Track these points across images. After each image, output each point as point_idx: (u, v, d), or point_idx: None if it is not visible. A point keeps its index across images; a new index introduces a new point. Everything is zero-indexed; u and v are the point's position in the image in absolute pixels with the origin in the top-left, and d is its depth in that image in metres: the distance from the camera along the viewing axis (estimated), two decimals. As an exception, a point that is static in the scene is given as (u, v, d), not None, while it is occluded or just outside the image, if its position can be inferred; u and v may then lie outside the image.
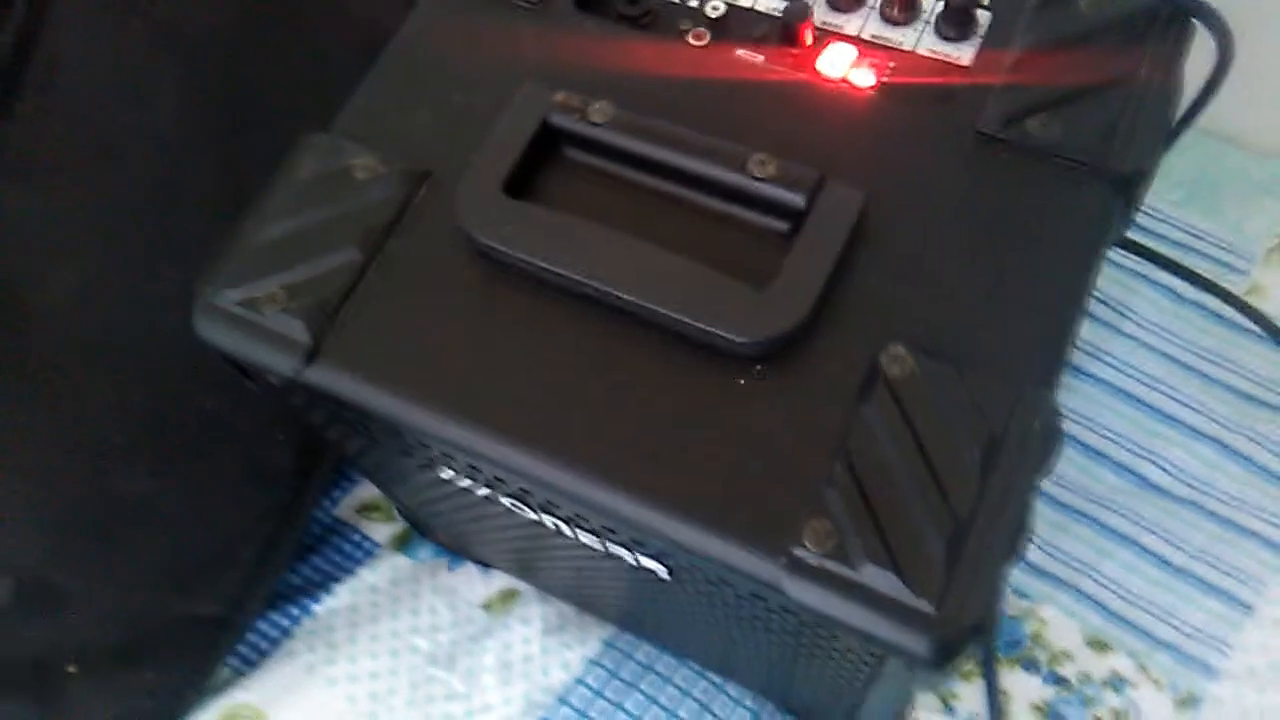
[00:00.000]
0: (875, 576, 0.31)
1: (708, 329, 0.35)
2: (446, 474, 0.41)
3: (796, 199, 0.36)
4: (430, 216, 0.39)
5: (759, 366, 0.35)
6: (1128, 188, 0.37)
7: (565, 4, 0.43)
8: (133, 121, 0.57)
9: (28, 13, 0.51)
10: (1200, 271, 0.67)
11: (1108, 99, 0.37)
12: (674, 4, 0.44)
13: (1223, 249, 0.69)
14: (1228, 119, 0.71)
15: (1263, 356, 0.64)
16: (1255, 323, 0.60)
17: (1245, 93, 0.68)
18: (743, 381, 0.35)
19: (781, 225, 0.37)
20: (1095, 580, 0.58)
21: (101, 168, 0.56)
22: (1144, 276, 0.68)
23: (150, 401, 0.56)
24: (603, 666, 0.58)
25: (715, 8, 0.43)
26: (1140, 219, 0.71)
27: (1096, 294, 0.68)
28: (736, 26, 0.43)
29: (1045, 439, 0.33)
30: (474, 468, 0.39)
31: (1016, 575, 0.59)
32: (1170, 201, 0.71)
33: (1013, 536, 0.32)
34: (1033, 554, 0.60)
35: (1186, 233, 0.70)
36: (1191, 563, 0.59)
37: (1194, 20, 0.39)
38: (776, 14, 0.43)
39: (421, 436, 0.38)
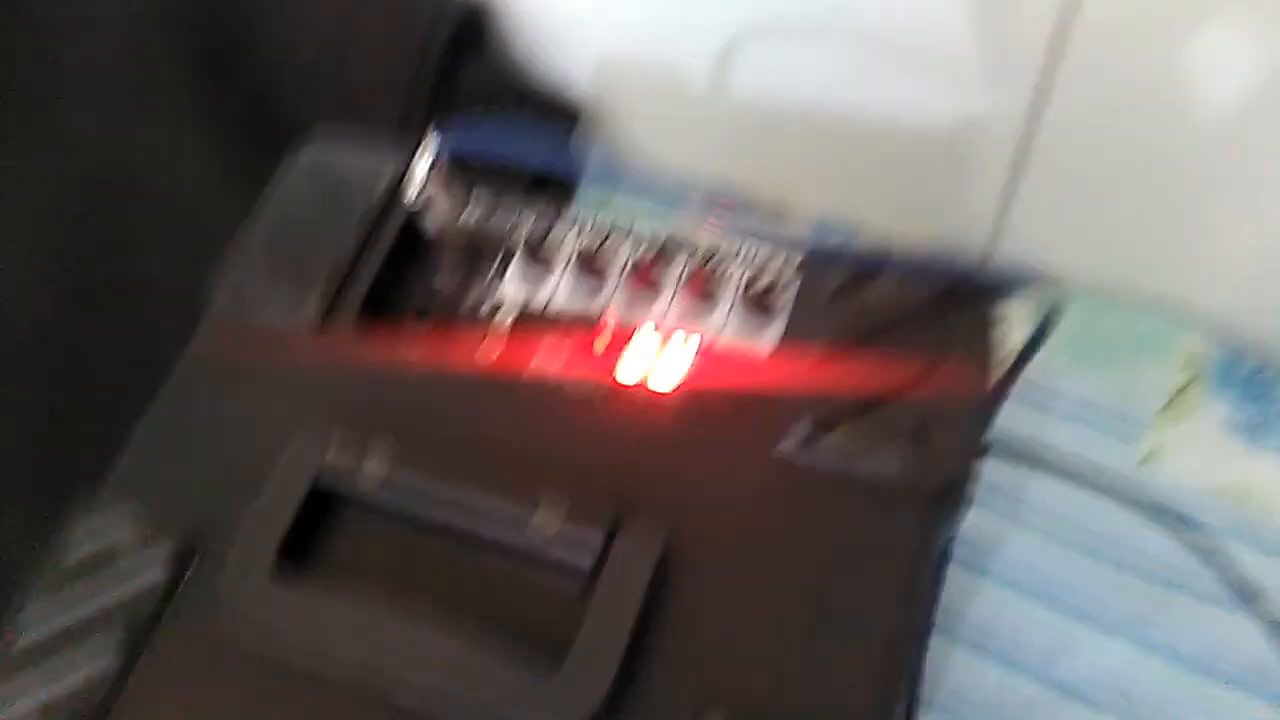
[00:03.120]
0: None
1: (493, 734, 0.31)
2: None
3: (585, 560, 0.33)
4: (200, 601, 0.35)
5: (559, 763, 0.31)
6: (943, 501, 0.34)
7: (347, 325, 0.40)
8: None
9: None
10: (1095, 442, 0.66)
11: (909, 407, 0.34)
12: (468, 308, 0.41)
13: (1115, 414, 0.67)
14: (1103, 271, 0.70)
15: (1168, 537, 0.61)
16: (1146, 514, 0.58)
17: (1118, 245, 0.67)
18: (542, 783, 0.31)
19: (575, 585, 0.34)
20: (1022, 814, 0.54)
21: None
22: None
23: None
24: None
25: (509, 314, 0.41)
26: (1029, 387, 0.69)
27: (987, 485, 0.65)
28: (531, 331, 0.40)
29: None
30: None
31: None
32: (1058, 365, 0.69)
33: None
34: (953, 788, 0.56)
35: (1077, 399, 0.68)
36: (1120, 780, 0.55)
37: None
38: (573, 311, 0.40)
39: None
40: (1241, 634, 0.58)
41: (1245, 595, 0.57)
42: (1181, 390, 0.67)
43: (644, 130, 0.50)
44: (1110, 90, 0.57)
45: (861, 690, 0.31)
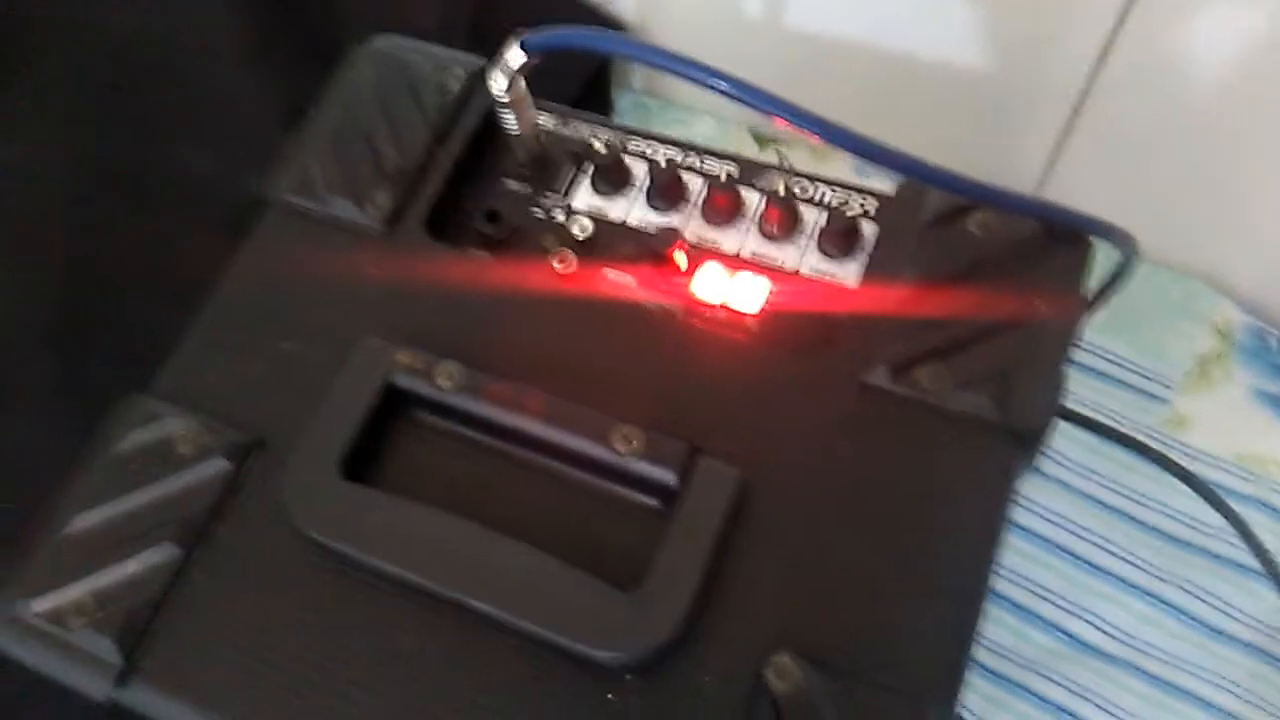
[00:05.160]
0: None
1: (566, 642, 0.31)
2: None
3: (666, 477, 0.32)
4: (261, 496, 0.35)
5: (628, 678, 0.31)
6: (1030, 441, 0.34)
7: (415, 228, 0.39)
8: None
9: None
10: (1121, 402, 0.66)
11: (1002, 344, 0.34)
12: (539, 220, 0.40)
13: (1143, 376, 0.67)
14: (1140, 234, 0.69)
15: (1191, 496, 0.62)
16: (1171, 472, 0.58)
17: (1159, 209, 0.67)
18: (611, 696, 0.31)
19: (652, 502, 0.33)
20: (1031, 761, 0.55)
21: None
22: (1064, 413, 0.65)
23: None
24: None
25: (584, 227, 0.39)
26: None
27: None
28: (606, 246, 0.39)
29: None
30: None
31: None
32: (1089, 323, 0.68)
33: None
34: (966, 733, 0.56)
35: (1106, 360, 0.67)
36: (1129, 733, 0.56)
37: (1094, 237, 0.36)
38: (649, 229, 0.39)
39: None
40: (1255, 599, 0.58)
41: (1263, 561, 0.57)
42: (1209, 359, 0.67)
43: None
44: (1174, 50, 0.56)
45: (934, 638, 0.31)
